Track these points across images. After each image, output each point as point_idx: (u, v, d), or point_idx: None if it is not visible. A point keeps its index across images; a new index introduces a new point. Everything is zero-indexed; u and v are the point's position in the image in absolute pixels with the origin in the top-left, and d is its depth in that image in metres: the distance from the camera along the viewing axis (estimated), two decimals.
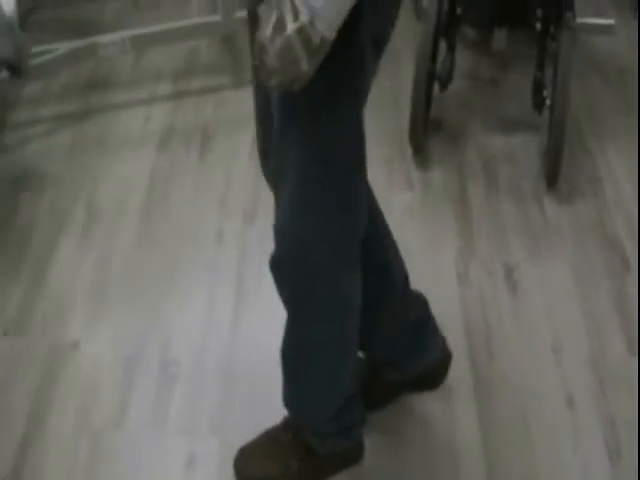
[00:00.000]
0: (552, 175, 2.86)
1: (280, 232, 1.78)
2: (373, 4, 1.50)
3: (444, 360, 2.26)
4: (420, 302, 2.17)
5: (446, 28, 3.08)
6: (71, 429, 2.23)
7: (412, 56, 2.98)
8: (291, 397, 2.03)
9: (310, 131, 1.63)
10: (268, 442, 2.11)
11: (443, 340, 2.24)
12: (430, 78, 3.00)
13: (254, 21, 1.50)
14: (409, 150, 3.02)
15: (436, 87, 3.11)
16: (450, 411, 2.26)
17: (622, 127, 3.12)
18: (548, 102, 2.91)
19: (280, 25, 1.41)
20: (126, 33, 3.27)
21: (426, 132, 3.05)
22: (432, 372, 2.25)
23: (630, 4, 3.70)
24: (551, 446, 2.18)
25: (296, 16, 1.39)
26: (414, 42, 3.00)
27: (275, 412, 2.07)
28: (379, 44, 1.64)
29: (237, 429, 2.19)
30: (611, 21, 3.58)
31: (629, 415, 2.24)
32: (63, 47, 3.16)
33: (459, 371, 2.34)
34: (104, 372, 2.36)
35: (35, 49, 3.06)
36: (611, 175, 2.95)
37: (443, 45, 3.10)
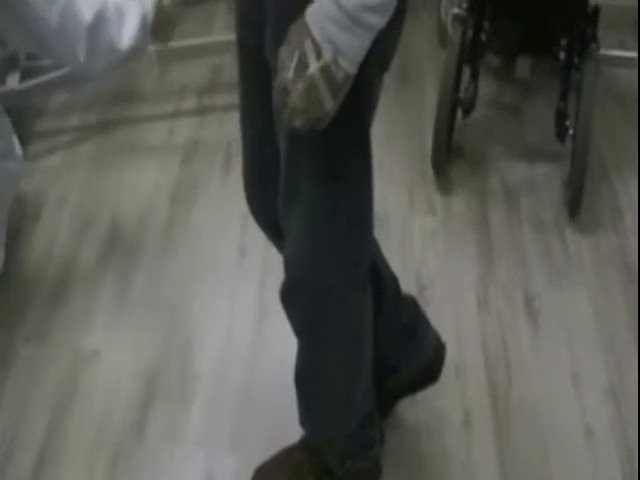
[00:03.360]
0: (574, 205, 2.87)
1: (290, 263, 1.78)
2: (381, 33, 1.49)
3: (439, 352, 2.21)
4: (410, 301, 2.15)
5: (470, 55, 3.09)
6: (90, 439, 2.24)
7: (436, 82, 3.00)
8: (307, 420, 2.03)
9: (322, 162, 1.63)
10: (285, 461, 2.11)
11: (435, 332, 2.21)
12: (453, 104, 3.00)
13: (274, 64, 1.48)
14: (431, 174, 3.03)
15: (459, 114, 3.12)
16: (468, 437, 2.26)
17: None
18: (571, 132, 2.92)
19: (302, 65, 1.39)
20: (152, 47, 3.28)
21: (448, 157, 3.06)
22: (430, 367, 2.20)
23: None
24: (569, 477, 2.17)
25: (319, 55, 1.37)
26: (438, 68, 3.01)
27: (294, 430, 2.06)
28: (385, 68, 1.64)
29: (256, 446, 2.19)
30: (634, 54, 3.58)
31: None
32: None
33: (477, 397, 2.35)
34: (124, 382, 2.37)
35: None
36: (632, 205, 2.95)
37: (467, 72, 3.12)
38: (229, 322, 2.54)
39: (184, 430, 2.26)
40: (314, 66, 1.38)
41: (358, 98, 1.56)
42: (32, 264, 2.70)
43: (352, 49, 1.38)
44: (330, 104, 1.42)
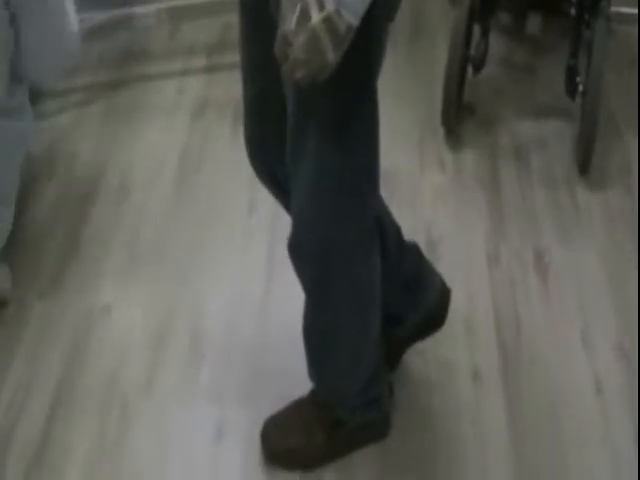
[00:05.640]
0: (584, 162, 2.86)
1: (298, 215, 1.79)
2: None
3: (444, 295, 2.21)
4: (414, 249, 2.14)
5: (480, 13, 3.07)
6: (101, 394, 2.26)
7: (446, 40, 2.98)
8: (316, 374, 2.04)
9: (329, 115, 1.64)
10: (295, 413, 2.13)
11: (440, 278, 2.21)
12: (463, 62, 3.00)
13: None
14: (441, 132, 3.03)
15: (469, 71, 3.11)
16: (477, 391, 2.27)
17: None
18: (581, 89, 2.91)
19: (304, 16, 1.39)
20: (162, 5, 3.29)
21: (459, 115, 3.05)
22: (436, 311, 2.20)
23: None
24: (579, 431, 2.18)
25: (322, 6, 1.37)
26: (448, 26, 3.00)
27: (303, 384, 2.07)
28: (390, 18, 1.64)
29: (265, 400, 2.20)
30: None
31: None
32: (99, 16, 3.18)
33: (487, 352, 2.35)
34: (135, 338, 2.39)
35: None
36: None
37: (477, 30, 3.10)
38: (239, 277, 2.55)
39: (194, 384, 2.27)
40: (316, 17, 1.38)
41: (365, 49, 1.57)
42: (44, 222, 2.72)
43: (354, 0, 1.38)
44: (332, 56, 1.42)
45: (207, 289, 2.52)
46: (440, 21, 3.42)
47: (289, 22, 1.41)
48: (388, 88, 3.12)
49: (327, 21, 1.38)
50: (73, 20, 2.88)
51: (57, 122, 3.09)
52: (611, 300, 2.50)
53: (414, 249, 2.14)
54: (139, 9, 3.23)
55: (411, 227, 2.61)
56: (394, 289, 2.04)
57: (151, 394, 2.25)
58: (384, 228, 1.96)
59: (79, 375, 2.29)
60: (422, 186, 2.85)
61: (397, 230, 2.06)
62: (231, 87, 3.22)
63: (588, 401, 2.25)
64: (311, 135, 1.66)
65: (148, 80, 3.28)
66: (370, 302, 1.92)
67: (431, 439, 2.17)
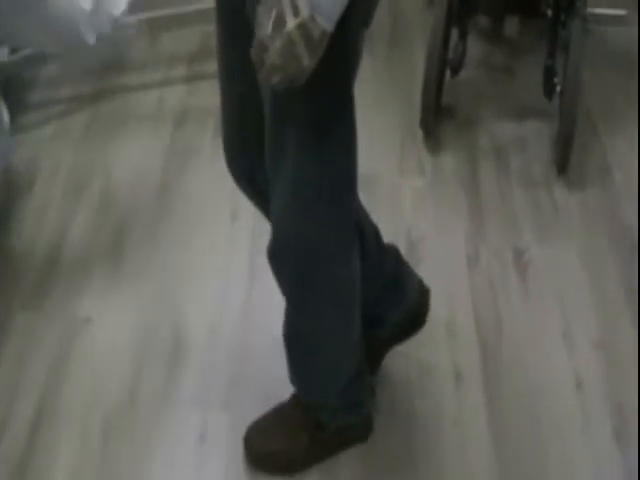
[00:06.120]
0: (562, 161, 2.89)
1: (277, 222, 1.80)
2: None
3: (424, 296, 2.23)
4: (392, 251, 2.16)
5: (458, 15, 3.10)
6: (85, 402, 2.26)
7: (424, 42, 3.00)
8: (297, 377, 2.06)
9: (307, 121, 1.65)
10: (277, 417, 2.14)
11: (419, 279, 2.23)
12: (442, 64, 3.02)
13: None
14: (421, 135, 3.05)
15: (448, 74, 3.13)
16: (458, 392, 2.29)
17: (633, 116, 3.13)
18: (559, 89, 2.93)
19: (280, 22, 1.40)
20: (142, 15, 3.30)
21: (437, 118, 3.08)
22: (416, 311, 2.22)
23: None
24: (560, 428, 2.20)
25: (296, 12, 1.39)
26: (426, 29, 3.02)
27: (286, 388, 2.09)
28: (366, 24, 1.65)
29: (248, 405, 2.21)
30: (622, 12, 3.59)
31: (638, 398, 2.25)
32: None
33: (468, 352, 2.37)
34: (117, 347, 2.40)
35: None
36: (621, 162, 2.97)
37: (455, 33, 3.12)
38: (221, 283, 2.57)
39: (177, 390, 2.28)
40: (291, 23, 1.40)
41: (341, 55, 1.58)
42: (26, 234, 2.73)
43: (329, 6, 1.40)
44: (307, 61, 1.44)
45: (189, 297, 2.53)
46: (418, 26, 3.44)
47: (265, 27, 1.43)
48: (367, 92, 3.16)
49: (302, 27, 1.40)
50: None
51: (39, 134, 3.10)
52: (590, 298, 2.53)
53: (393, 250, 2.16)
54: (119, 20, 3.23)
55: (391, 230, 2.62)
56: (374, 289, 2.06)
57: (134, 401, 2.26)
58: (362, 230, 1.97)
59: (62, 385, 2.30)
60: (402, 189, 2.87)
61: (375, 231, 2.07)
62: (212, 96, 3.19)
63: (568, 399, 2.27)
64: (289, 140, 1.67)
65: (129, 91, 3.29)
66: (350, 306, 1.94)
67: (413, 441, 2.18)
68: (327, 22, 1.41)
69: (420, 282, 2.22)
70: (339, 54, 1.56)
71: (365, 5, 1.61)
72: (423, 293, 2.23)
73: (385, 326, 2.17)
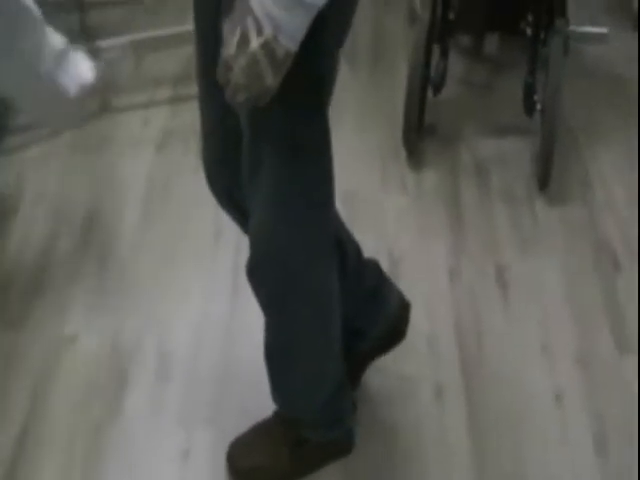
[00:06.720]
0: (543, 178, 2.91)
1: (257, 237, 1.82)
2: (335, 14, 1.52)
3: (404, 309, 2.24)
4: (373, 266, 2.17)
5: (439, 33, 3.13)
6: (68, 422, 2.27)
7: (406, 61, 3.03)
8: (279, 394, 2.07)
9: (282, 139, 1.67)
10: (260, 434, 2.15)
11: (399, 293, 2.24)
12: (424, 82, 3.04)
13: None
14: (403, 153, 3.07)
15: (430, 92, 3.15)
16: (439, 407, 2.30)
17: (613, 132, 3.17)
18: (539, 106, 2.96)
19: (244, 41, 1.41)
20: (127, 38, 3.33)
21: (420, 136, 3.10)
22: (396, 325, 2.23)
23: (626, 14, 3.75)
24: (539, 442, 2.21)
25: (260, 31, 1.39)
26: (408, 47, 3.05)
27: (269, 403, 2.10)
28: (339, 44, 1.67)
29: (232, 421, 2.22)
30: (604, 30, 3.62)
31: (616, 412, 2.28)
32: None
33: (449, 367, 2.38)
34: (101, 366, 2.41)
35: None
36: (602, 178, 2.99)
37: (436, 51, 3.15)
38: (204, 302, 2.59)
39: (161, 407, 2.30)
40: (255, 42, 1.40)
41: (315, 74, 1.60)
42: (11, 254, 2.74)
43: (292, 27, 1.40)
44: (271, 80, 1.45)
45: (173, 314, 2.55)
46: (401, 44, 3.47)
47: (230, 47, 1.44)
48: (350, 110, 3.22)
49: (265, 46, 1.40)
50: None
51: (23, 156, 3.11)
52: (571, 313, 2.54)
53: (373, 264, 2.18)
54: (104, 42, 3.26)
55: (373, 246, 2.64)
56: (354, 303, 2.08)
57: (118, 419, 2.27)
58: (343, 246, 1.99)
59: (47, 403, 2.31)
60: (384, 207, 2.89)
61: (356, 247, 2.09)
62: (196, 118, 3.24)
63: (548, 412, 2.28)
64: (264, 156, 1.69)
65: (114, 112, 3.31)
66: (328, 321, 1.95)
67: (395, 455, 2.19)
68: (291, 42, 1.41)
69: (400, 295, 2.24)
70: (312, 73, 1.58)
71: (338, 24, 1.63)
72: (404, 306, 2.24)
73: (365, 339, 2.18)
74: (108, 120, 3.28)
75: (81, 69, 2.38)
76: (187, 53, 3.51)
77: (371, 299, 2.16)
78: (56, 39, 2.29)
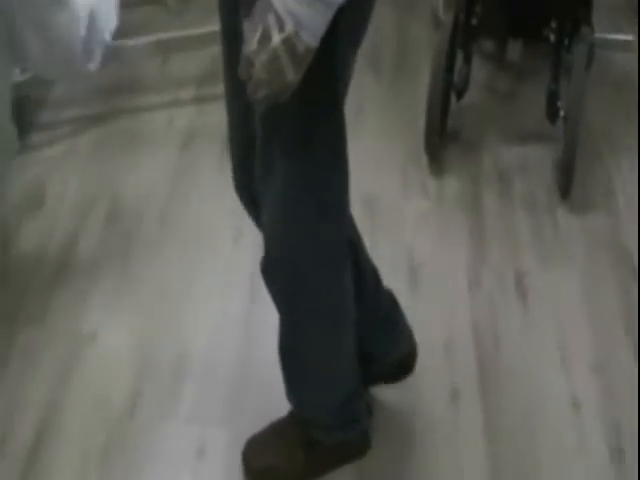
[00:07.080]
0: (565, 186, 2.90)
1: (269, 236, 1.83)
2: (354, 11, 1.53)
3: (413, 350, 2.25)
4: (389, 297, 2.18)
5: (462, 38, 3.13)
6: (86, 419, 2.29)
7: (429, 66, 3.03)
8: (293, 394, 2.07)
9: (295, 137, 1.68)
10: (275, 434, 2.16)
11: (410, 333, 2.24)
12: (446, 88, 3.04)
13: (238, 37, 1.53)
14: (424, 159, 3.07)
15: (453, 98, 3.16)
16: (455, 411, 2.30)
17: (636, 140, 3.15)
18: (562, 113, 2.95)
19: (266, 37, 1.42)
20: (152, 37, 3.34)
21: (442, 141, 3.10)
22: (404, 363, 2.25)
23: None
24: (555, 448, 2.21)
25: (281, 27, 1.41)
26: (432, 52, 3.05)
27: (285, 403, 2.11)
28: (356, 45, 1.68)
29: (246, 421, 2.23)
30: (630, 37, 3.61)
31: (633, 420, 2.27)
32: None
33: (466, 373, 2.39)
34: (120, 363, 2.43)
35: None
36: (624, 187, 2.98)
37: (459, 56, 3.15)
38: (223, 303, 2.60)
39: (177, 406, 2.31)
40: (276, 38, 1.42)
41: (329, 72, 1.61)
42: (33, 251, 2.76)
43: (313, 23, 1.42)
44: (292, 76, 1.46)
45: (191, 314, 2.56)
46: (426, 49, 3.46)
47: (251, 43, 1.45)
48: (372, 115, 3.23)
49: (287, 42, 1.42)
50: None
51: (46, 154, 3.13)
52: (590, 321, 2.53)
53: (389, 294, 2.19)
54: (129, 42, 3.28)
55: (393, 252, 2.67)
56: (369, 328, 2.09)
57: (134, 417, 2.28)
58: (362, 268, 2.01)
59: (65, 400, 2.33)
60: (405, 212, 2.89)
61: (374, 270, 2.10)
62: (220, 117, 3.26)
63: (565, 420, 2.28)
64: (277, 155, 1.70)
65: (138, 112, 3.33)
66: (342, 324, 1.96)
67: (410, 458, 2.20)
68: (312, 38, 1.43)
69: (411, 334, 2.25)
70: (327, 70, 1.59)
71: (356, 22, 1.64)
72: (413, 345, 2.25)
73: (372, 366, 2.19)
74: (133, 118, 3.30)
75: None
76: (211, 54, 3.53)
77: (384, 327, 2.17)
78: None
